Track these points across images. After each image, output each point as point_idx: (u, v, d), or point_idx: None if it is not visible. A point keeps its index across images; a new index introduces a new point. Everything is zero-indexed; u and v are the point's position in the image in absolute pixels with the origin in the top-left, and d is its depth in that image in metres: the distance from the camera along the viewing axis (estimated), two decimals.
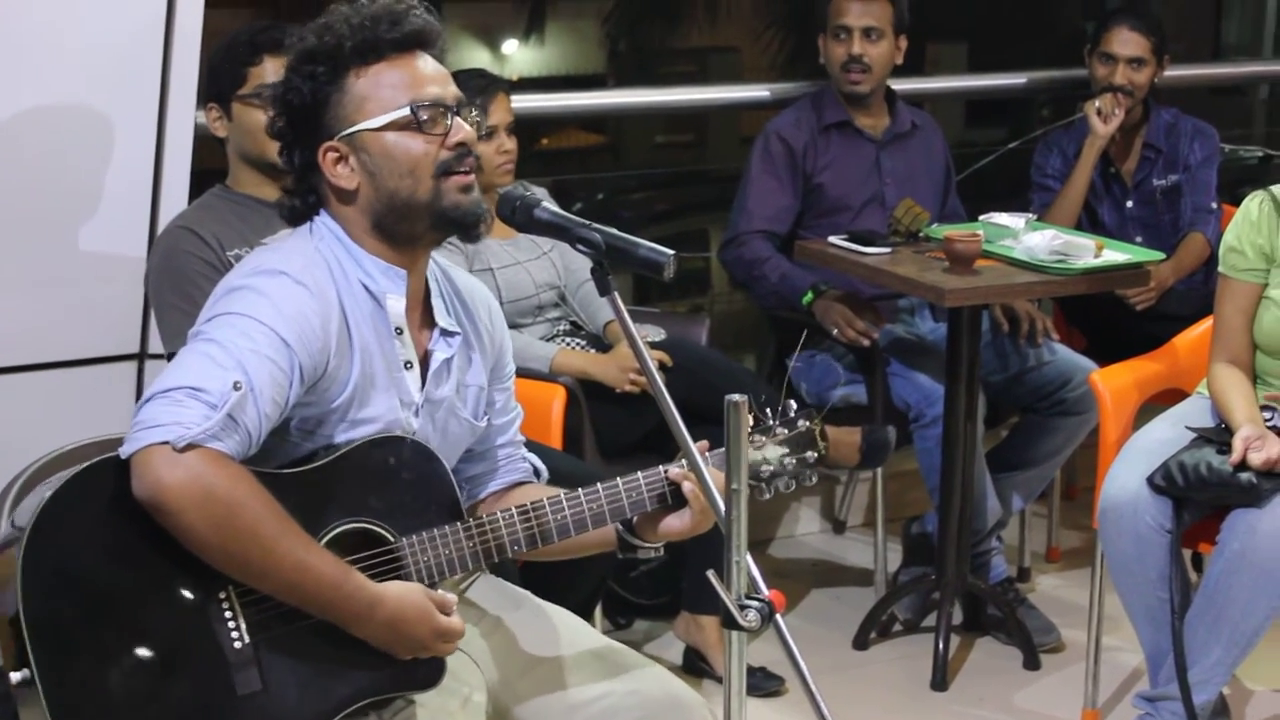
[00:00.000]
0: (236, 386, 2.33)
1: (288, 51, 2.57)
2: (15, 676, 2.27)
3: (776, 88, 5.23)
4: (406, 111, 2.48)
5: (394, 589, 2.44)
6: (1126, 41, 4.89)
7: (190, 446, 2.27)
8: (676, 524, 2.64)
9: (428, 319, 2.63)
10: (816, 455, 2.72)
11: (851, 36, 4.65)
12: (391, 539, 2.51)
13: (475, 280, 2.77)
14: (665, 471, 2.63)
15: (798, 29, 7.36)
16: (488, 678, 2.68)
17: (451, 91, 2.54)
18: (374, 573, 2.47)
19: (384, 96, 2.49)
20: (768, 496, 2.71)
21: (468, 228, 2.55)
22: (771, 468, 2.69)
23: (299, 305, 2.43)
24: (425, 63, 2.53)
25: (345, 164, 2.51)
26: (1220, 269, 3.80)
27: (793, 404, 2.73)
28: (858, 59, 4.64)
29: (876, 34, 4.65)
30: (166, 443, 2.27)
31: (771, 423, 2.69)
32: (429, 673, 2.51)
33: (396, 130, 2.49)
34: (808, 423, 2.72)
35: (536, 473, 2.86)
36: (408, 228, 2.54)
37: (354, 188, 2.51)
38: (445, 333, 2.62)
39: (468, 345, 2.68)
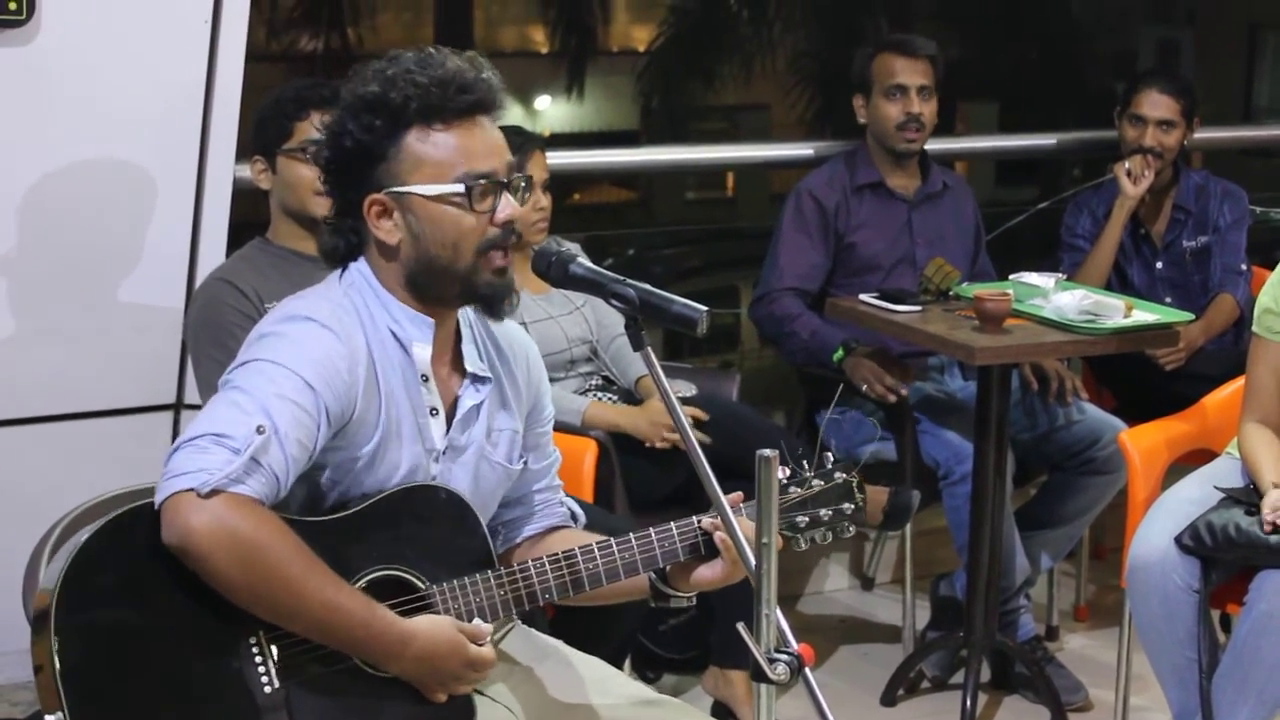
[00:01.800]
0: (260, 430, 2.35)
1: (341, 99, 2.56)
2: None
3: (809, 146, 5.26)
4: (461, 189, 2.49)
5: (424, 624, 2.45)
6: (1156, 104, 4.91)
7: (215, 492, 2.30)
8: (709, 574, 2.64)
9: (458, 364, 2.64)
10: (854, 507, 2.71)
11: (908, 95, 4.68)
12: (423, 586, 2.52)
13: (514, 325, 2.76)
14: (698, 521, 2.63)
15: (826, 87, 7.42)
16: None
17: (505, 162, 2.54)
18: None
19: (440, 163, 2.49)
20: (804, 548, 2.71)
21: (495, 306, 2.57)
22: (807, 519, 2.70)
23: (325, 349, 2.46)
24: (484, 130, 2.52)
25: (389, 218, 2.52)
26: (1254, 329, 3.81)
27: (830, 455, 2.73)
28: (916, 118, 4.68)
29: (928, 93, 4.70)
30: (192, 489, 2.30)
31: (808, 474, 2.71)
32: (461, 716, 2.52)
33: (449, 201, 2.50)
34: (845, 475, 2.72)
35: (574, 516, 2.86)
36: (439, 291, 2.56)
37: (395, 243, 2.52)
38: (475, 378, 2.63)
39: (500, 390, 2.69)
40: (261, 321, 2.56)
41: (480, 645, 2.48)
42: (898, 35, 5.06)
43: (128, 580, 2.34)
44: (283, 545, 2.34)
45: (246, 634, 2.39)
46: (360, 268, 2.58)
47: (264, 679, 2.39)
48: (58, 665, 2.27)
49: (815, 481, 2.70)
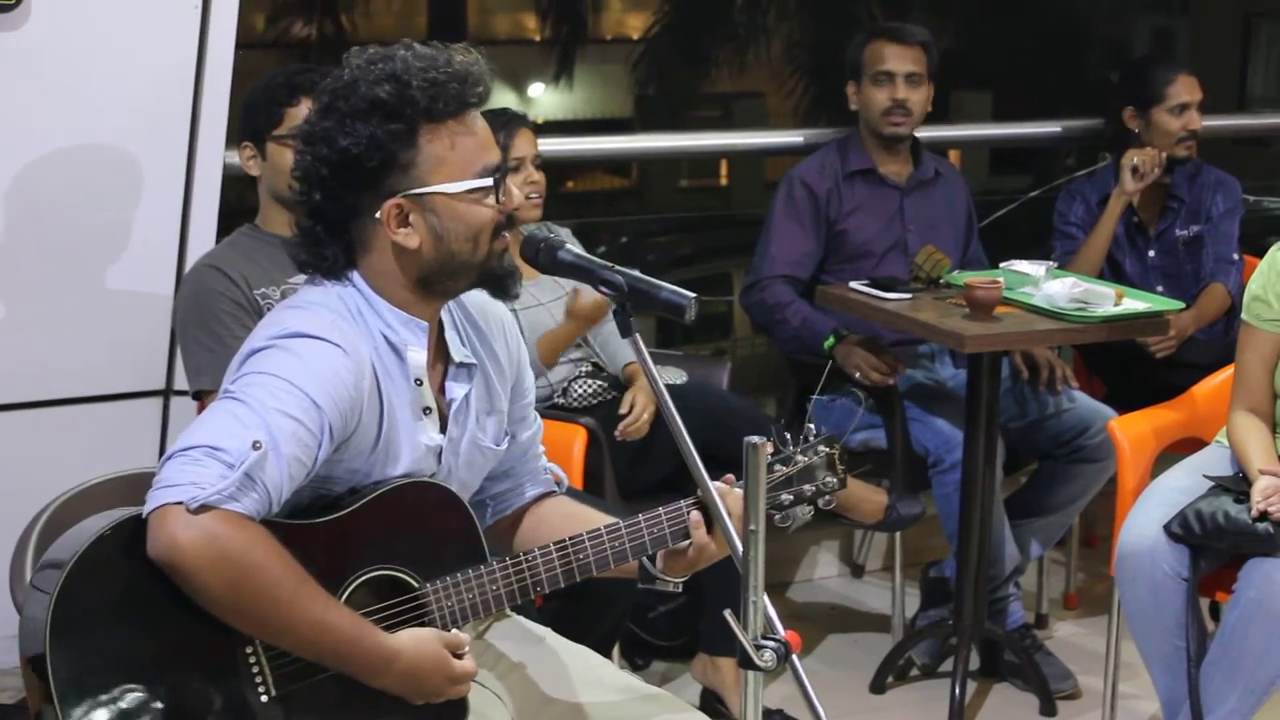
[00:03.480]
0: (256, 446, 2.31)
1: (335, 107, 2.48)
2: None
3: (801, 134, 5.26)
4: (488, 182, 2.49)
5: (408, 641, 2.44)
6: (1193, 87, 4.94)
7: (205, 508, 2.27)
8: (689, 556, 2.63)
9: (442, 355, 2.63)
10: (836, 480, 2.70)
11: (894, 81, 4.69)
12: (416, 585, 2.52)
13: (485, 297, 2.71)
14: (686, 508, 2.62)
15: (820, 76, 7.42)
16: (512, 713, 2.69)
17: (499, 149, 2.55)
18: (399, 619, 2.49)
19: (460, 161, 2.47)
20: (790, 524, 2.71)
21: (508, 285, 2.57)
22: (791, 496, 2.69)
23: (333, 365, 2.42)
24: (480, 121, 2.52)
25: (406, 222, 2.48)
26: (1244, 317, 3.81)
27: (812, 427, 2.71)
28: (901, 104, 4.69)
29: (917, 79, 4.70)
30: (181, 503, 2.26)
31: (791, 450, 2.70)
32: (453, 715, 2.51)
33: (470, 197, 2.49)
34: (827, 449, 2.71)
35: (558, 482, 2.86)
36: (451, 285, 2.55)
37: (415, 246, 2.49)
38: (461, 365, 2.63)
39: (484, 373, 2.68)
40: (261, 330, 2.51)
41: (460, 656, 2.48)
42: (890, 23, 5.06)
43: (122, 592, 2.32)
44: (273, 565, 2.32)
45: (242, 643, 2.38)
46: (350, 276, 2.54)
47: (260, 688, 2.38)
48: (53, 679, 2.25)
49: (799, 457, 2.69)
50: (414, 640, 2.45)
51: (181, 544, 2.26)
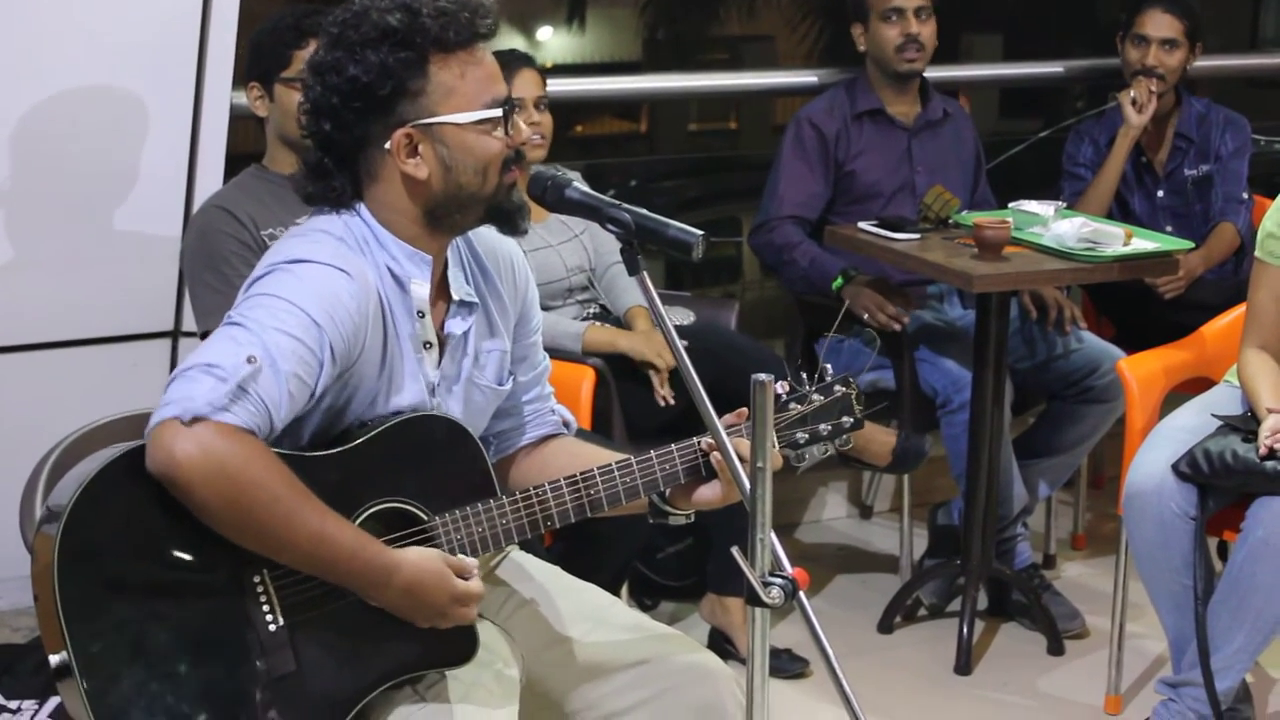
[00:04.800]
0: (250, 361, 2.31)
1: (344, 36, 2.48)
2: (54, 660, 2.28)
3: (813, 74, 5.24)
4: (498, 113, 2.50)
5: (411, 555, 2.44)
6: (1160, 23, 4.88)
7: (199, 419, 2.26)
8: (708, 494, 2.63)
9: (444, 292, 2.62)
10: (852, 420, 2.69)
11: (905, 16, 4.66)
12: (425, 518, 2.52)
13: (494, 236, 2.71)
14: (699, 443, 2.62)
15: (832, 19, 7.37)
16: (523, 652, 2.70)
17: (506, 87, 2.56)
18: None
19: (470, 92, 2.48)
20: (805, 463, 2.70)
21: (517, 220, 2.57)
22: (807, 435, 2.68)
23: (334, 288, 2.42)
24: (488, 55, 2.53)
25: (415, 152, 2.49)
26: (1257, 254, 3.78)
27: (828, 368, 2.70)
28: (914, 38, 4.67)
29: (926, 13, 4.68)
30: (176, 417, 2.26)
31: (807, 389, 2.69)
32: (462, 647, 2.52)
33: (480, 128, 2.50)
34: (844, 388, 2.69)
35: (565, 424, 2.85)
36: (459, 219, 2.55)
37: (424, 177, 2.49)
38: (462, 304, 2.62)
39: (486, 311, 2.67)
40: (267, 255, 2.51)
41: (467, 579, 2.47)
42: None
43: (129, 521, 2.32)
44: (270, 477, 2.31)
45: (250, 573, 2.38)
46: (357, 207, 2.54)
47: (268, 617, 2.39)
48: (60, 605, 2.26)
49: (815, 396, 2.68)
50: (417, 555, 2.44)
51: (178, 458, 2.26)
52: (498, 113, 2.50)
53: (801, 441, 2.68)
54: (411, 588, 2.42)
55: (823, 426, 2.68)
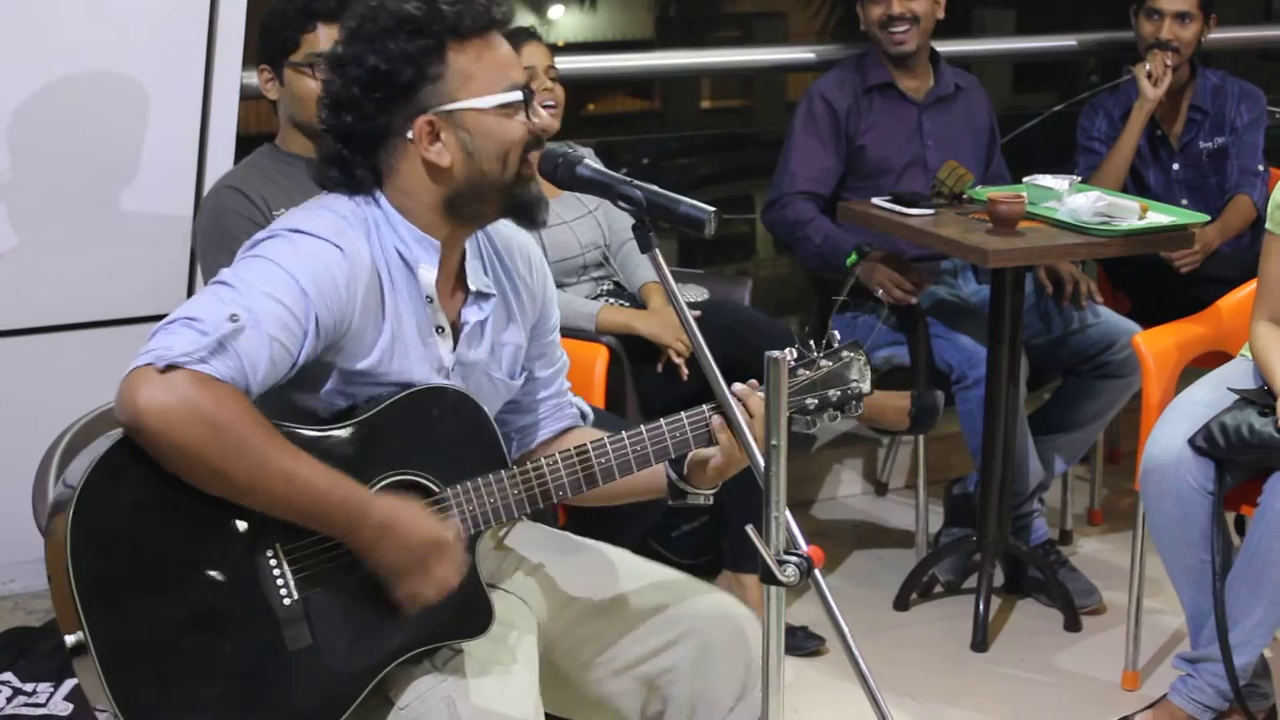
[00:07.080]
0: (233, 319, 2.30)
1: (362, 26, 2.51)
2: (70, 639, 2.27)
3: (824, 50, 5.22)
4: (518, 96, 2.50)
5: (387, 497, 2.43)
6: None
7: (173, 367, 2.25)
8: (721, 460, 2.62)
9: (463, 282, 2.63)
10: (860, 384, 2.68)
11: None
12: (437, 489, 2.52)
13: (516, 232, 2.74)
14: (709, 410, 2.61)
15: None
16: (538, 616, 2.71)
17: (523, 72, 2.57)
18: None
19: (489, 77, 2.49)
20: (815, 429, 2.69)
21: (535, 213, 2.57)
22: (816, 400, 2.67)
23: (325, 261, 2.42)
24: (502, 40, 2.54)
25: (437, 140, 2.49)
26: (1268, 227, 3.77)
27: (837, 334, 2.70)
28: (898, 17, 4.63)
29: None
30: (150, 365, 2.25)
31: (815, 355, 2.68)
32: (477, 621, 2.52)
33: (500, 112, 2.50)
34: (851, 353, 2.69)
35: (583, 416, 2.87)
36: (478, 208, 2.55)
37: (447, 164, 2.49)
38: (480, 294, 2.63)
39: (504, 304, 2.68)
40: (264, 230, 2.52)
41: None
42: None
43: (143, 497, 2.32)
44: (240, 420, 2.28)
45: (264, 547, 2.38)
46: (375, 194, 2.54)
47: (283, 591, 2.39)
48: (75, 585, 2.25)
49: (823, 362, 2.67)
50: (392, 498, 2.43)
51: (143, 404, 2.23)
52: (518, 96, 2.50)
53: (811, 407, 2.67)
54: (387, 526, 2.39)
55: (832, 392, 2.68)
